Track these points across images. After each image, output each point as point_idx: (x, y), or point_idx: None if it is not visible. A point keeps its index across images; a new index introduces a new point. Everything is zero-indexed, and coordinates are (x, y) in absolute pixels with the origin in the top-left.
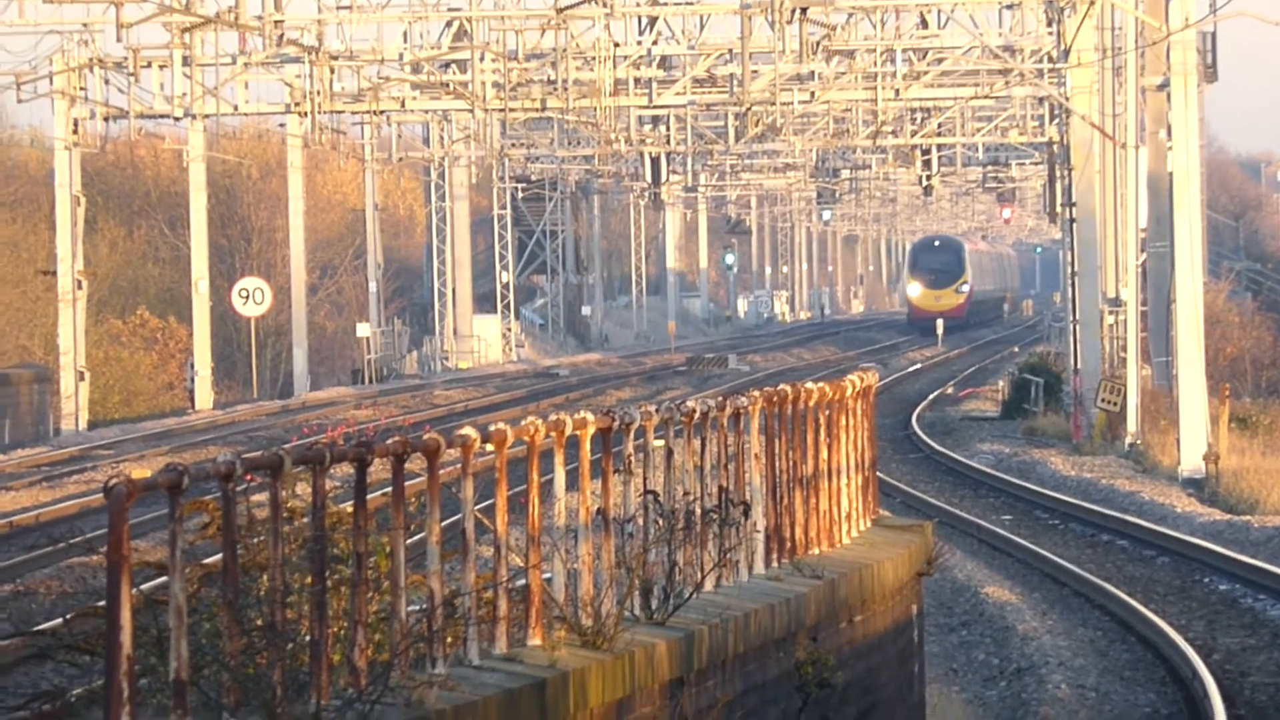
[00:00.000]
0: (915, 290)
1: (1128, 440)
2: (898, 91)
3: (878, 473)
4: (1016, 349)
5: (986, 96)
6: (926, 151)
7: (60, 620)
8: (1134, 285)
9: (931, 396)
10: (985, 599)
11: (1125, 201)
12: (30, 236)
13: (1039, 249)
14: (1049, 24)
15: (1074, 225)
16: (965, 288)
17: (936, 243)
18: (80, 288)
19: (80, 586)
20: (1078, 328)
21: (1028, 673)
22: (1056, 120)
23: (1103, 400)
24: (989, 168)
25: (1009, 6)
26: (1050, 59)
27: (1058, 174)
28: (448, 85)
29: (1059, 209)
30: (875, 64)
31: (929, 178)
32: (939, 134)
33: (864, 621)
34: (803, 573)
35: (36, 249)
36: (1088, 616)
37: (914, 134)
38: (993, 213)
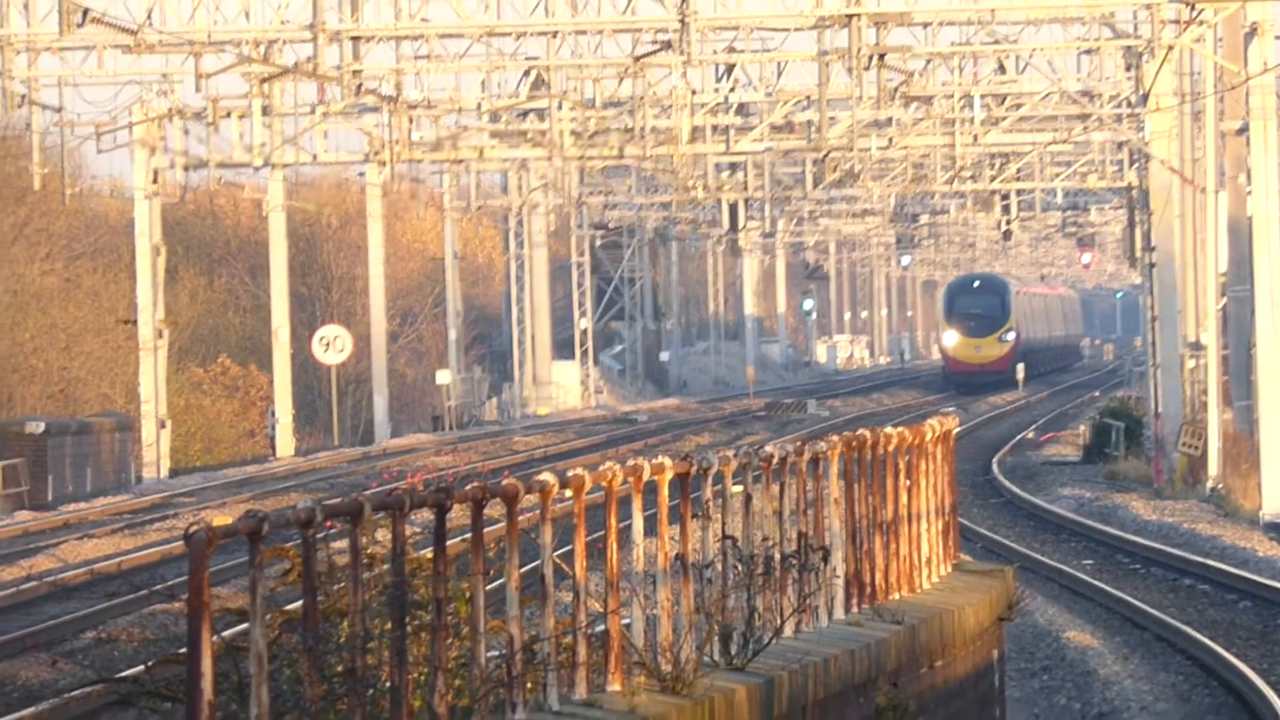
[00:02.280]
0: (951, 339)
1: (1209, 484)
2: (976, 137)
3: (958, 517)
4: (1098, 393)
5: (1065, 142)
6: (1005, 196)
7: (142, 667)
8: (1214, 329)
9: (1013, 441)
10: (1067, 644)
11: (1205, 246)
12: (111, 286)
13: (1119, 293)
14: (1127, 69)
15: (1154, 270)
16: (1010, 336)
17: (976, 283)
18: (161, 336)
19: (162, 633)
20: (1158, 372)
21: (1109, 718)
22: (1136, 165)
23: (1184, 444)
24: (1068, 213)
25: (1087, 52)
26: (1129, 104)
27: (1137, 219)
28: (526, 134)
29: (1139, 254)
30: (953, 109)
31: (1008, 223)
32: (1018, 179)
33: (945, 667)
34: (883, 618)
35: (117, 298)
36: (1170, 661)
37: (993, 179)
38: (1072, 257)
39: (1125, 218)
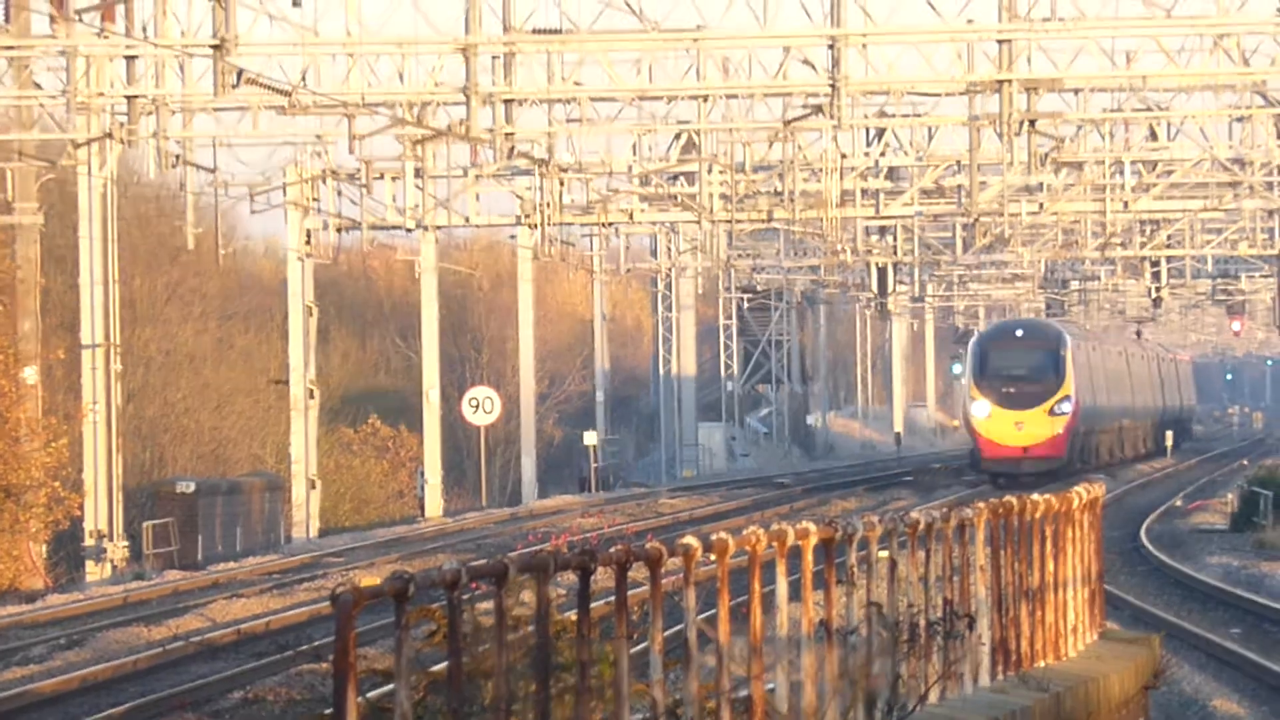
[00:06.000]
0: (982, 411)
1: None
2: (1126, 203)
3: (1105, 584)
4: (1245, 462)
5: (1216, 209)
6: (1155, 263)
7: None
8: None
9: (1160, 509)
10: (1213, 712)
11: None
12: (263, 346)
13: (1269, 361)
14: (1279, 136)
15: None
16: (1066, 406)
17: (1019, 331)
18: (312, 397)
19: (308, 693)
20: None
21: None
22: None
23: None
24: (1218, 280)
25: (1239, 119)
26: None
27: None
28: (675, 197)
29: None
30: (1104, 175)
31: (1158, 290)
32: (1168, 245)
33: None
34: (1028, 685)
35: (269, 359)
36: None
37: (1143, 245)
38: (1222, 325)
39: (1276, 285)
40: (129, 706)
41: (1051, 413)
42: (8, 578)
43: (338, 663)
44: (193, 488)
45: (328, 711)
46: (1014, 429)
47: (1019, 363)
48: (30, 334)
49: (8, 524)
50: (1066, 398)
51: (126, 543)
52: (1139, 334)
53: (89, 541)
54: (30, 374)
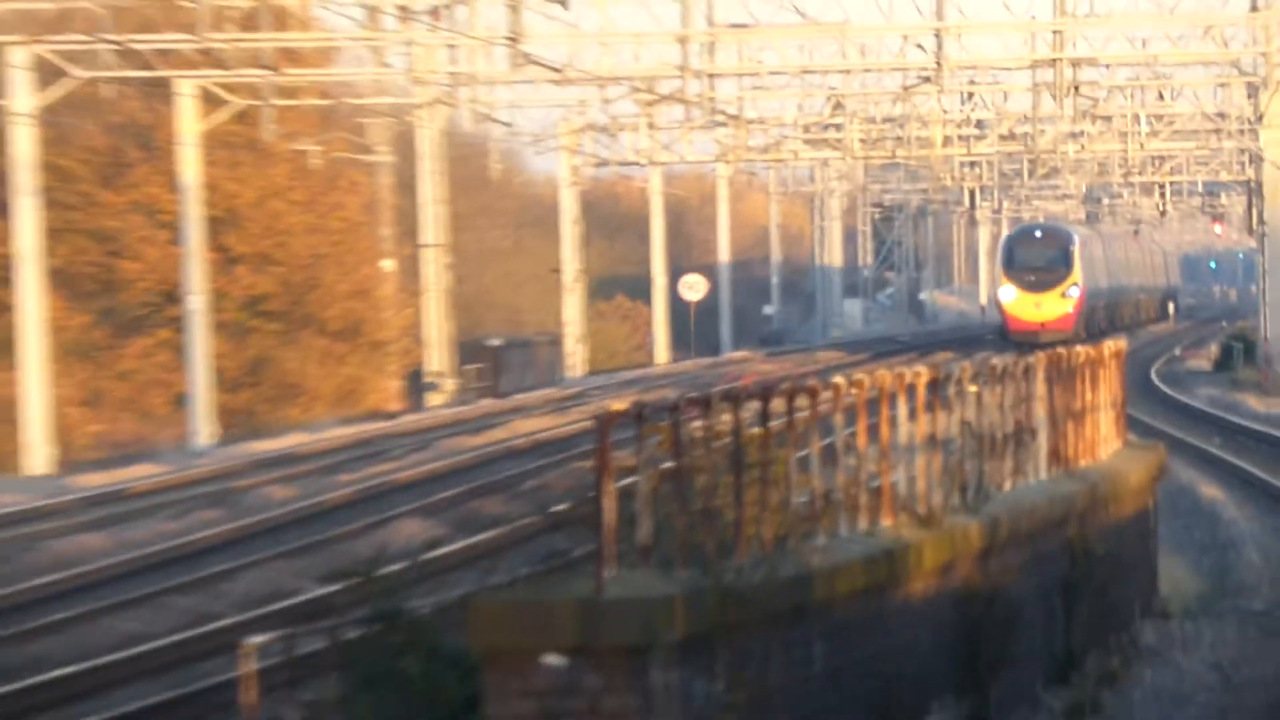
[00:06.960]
0: (1009, 295)
1: None
2: (1142, 144)
3: (1127, 409)
4: (1225, 324)
5: (1204, 148)
6: (1162, 186)
7: (567, 505)
8: None
9: (1164, 357)
10: (1201, 497)
11: None
12: (545, 247)
13: (1240, 254)
14: (1249, 97)
15: (1265, 237)
16: (1074, 291)
17: (1037, 233)
18: (578, 281)
19: (579, 482)
20: (1267, 309)
21: (1229, 546)
22: (1254, 164)
23: None
24: (1206, 198)
25: (1221, 85)
26: (1249, 122)
27: (1254, 202)
28: (827, 141)
29: (1255, 226)
30: (1126, 125)
31: (1163, 204)
32: (1170, 174)
33: (1116, 511)
34: (1073, 478)
35: (550, 255)
36: (1274, 508)
37: (1153, 174)
38: (1208, 229)
39: (1246, 201)
40: (459, 490)
41: (1063, 295)
42: (376, 402)
43: (599, 462)
44: (498, 342)
45: (593, 495)
46: (1034, 308)
47: (1038, 257)
48: (388, 238)
49: (376, 366)
50: (1075, 284)
51: (454, 380)
52: (1136, 232)
53: (429, 379)
54: (388, 264)
